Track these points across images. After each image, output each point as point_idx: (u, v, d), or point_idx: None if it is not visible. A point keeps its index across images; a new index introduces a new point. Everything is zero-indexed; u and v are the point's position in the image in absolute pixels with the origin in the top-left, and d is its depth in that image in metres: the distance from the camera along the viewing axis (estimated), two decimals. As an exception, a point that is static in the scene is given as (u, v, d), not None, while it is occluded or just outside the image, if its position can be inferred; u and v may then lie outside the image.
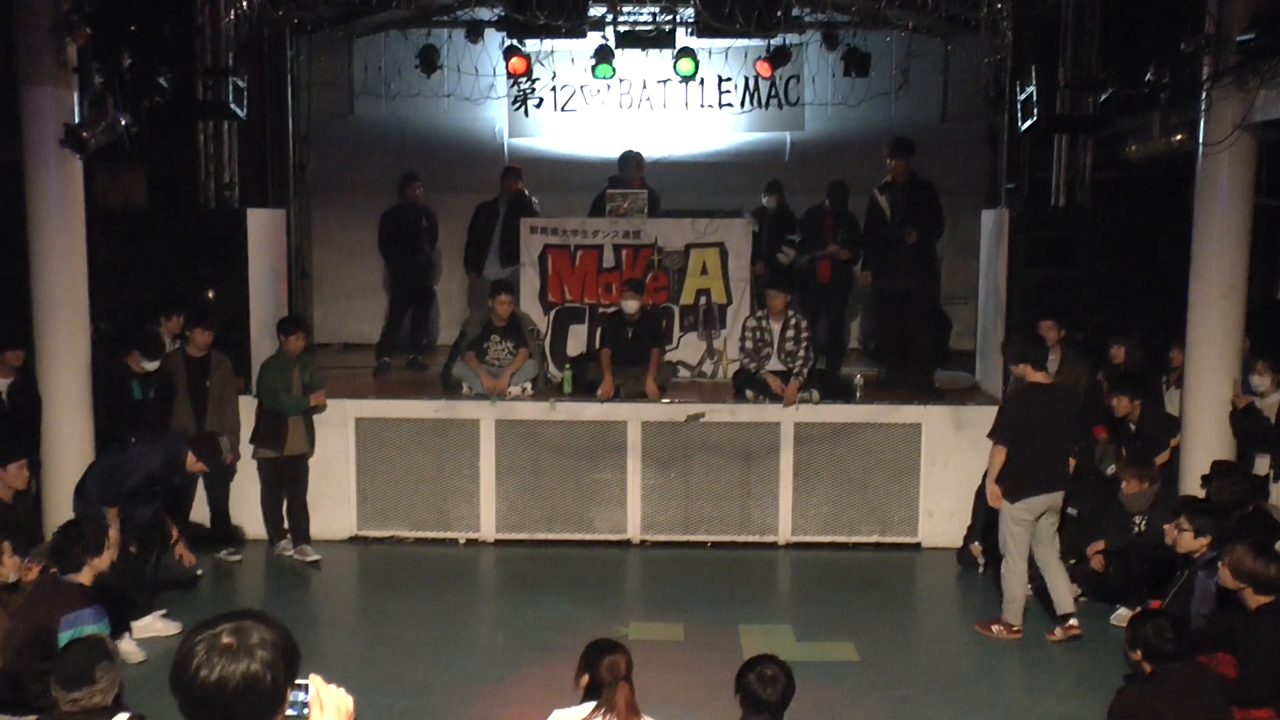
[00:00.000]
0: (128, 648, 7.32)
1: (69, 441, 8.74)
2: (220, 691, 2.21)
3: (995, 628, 7.96)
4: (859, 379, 10.28)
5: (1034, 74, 9.80)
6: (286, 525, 9.62)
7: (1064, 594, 7.88)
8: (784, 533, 9.98)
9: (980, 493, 9.35)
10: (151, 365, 8.78)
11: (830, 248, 11.28)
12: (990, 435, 7.89)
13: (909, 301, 10.72)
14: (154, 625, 7.77)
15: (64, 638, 5.52)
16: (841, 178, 11.54)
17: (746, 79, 13.11)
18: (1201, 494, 7.72)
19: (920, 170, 10.72)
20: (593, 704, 4.48)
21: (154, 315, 9.37)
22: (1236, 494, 7.60)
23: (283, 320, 9.77)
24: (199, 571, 8.95)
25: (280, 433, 9.36)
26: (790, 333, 10.06)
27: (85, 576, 6.15)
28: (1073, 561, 8.49)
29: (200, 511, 9.44)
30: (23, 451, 7.80)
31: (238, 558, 9.45)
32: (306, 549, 9.51)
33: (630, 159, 11.65)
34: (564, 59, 12.61)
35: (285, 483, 9.56)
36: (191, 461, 8.18)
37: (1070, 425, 8.10)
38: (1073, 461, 8.72)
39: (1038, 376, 7.84)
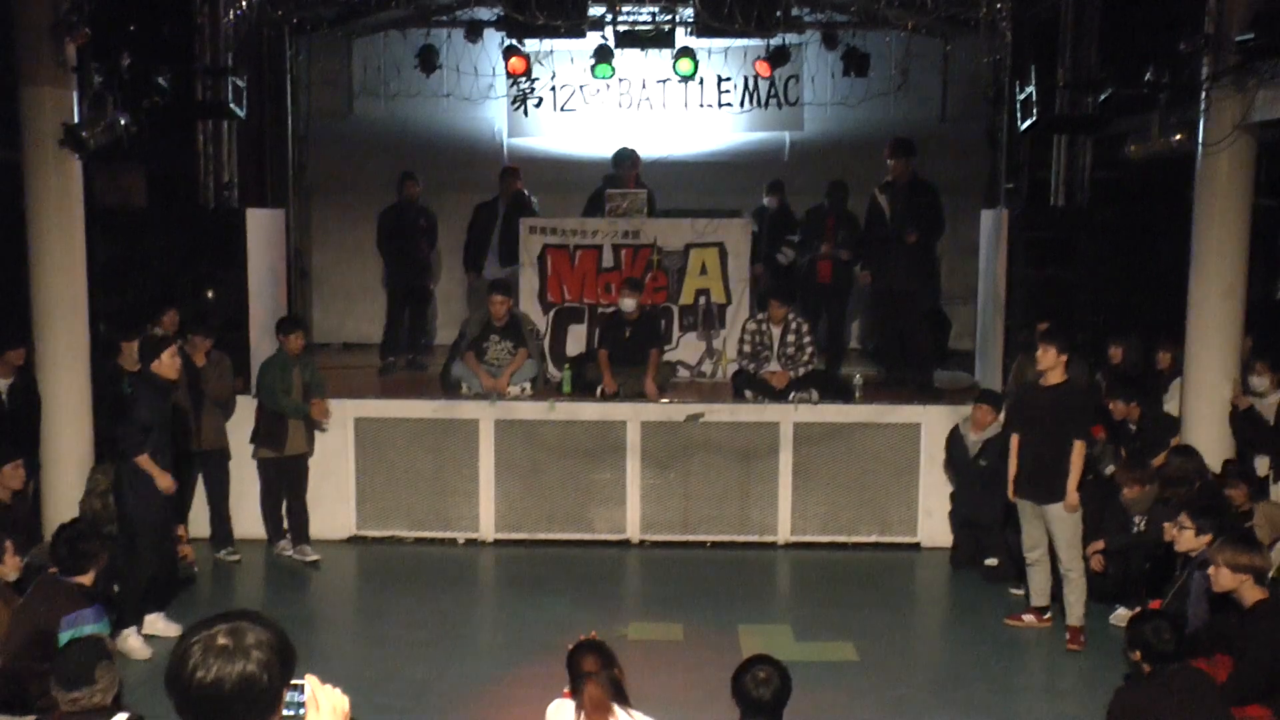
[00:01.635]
0: (135, 644, 7.33)
1: (69, 442, 8.74)
2: (216, 692, 2.21)
3: (1080, 640, 7.77)
4: (858, 379, 10.28)
5: (1033, 74, 9.80)
6: (286, 525, 9.63)
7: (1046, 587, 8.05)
8: (783, 533, 9.98)
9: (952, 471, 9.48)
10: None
11: (824, 248, 11.28)
12: (1080, 435, 7.64)
13: (908, 301, 10.72)
14: (155, 624, 7.76)
15: (64, 638, 5.53)
16: (841, 178, 11.57)
17: (746, 79, 13.10)
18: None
19: (920, 170, 10.72)
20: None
21: (152, 313, 9.39)
22: (1183, 471, 7.76)
23: (282, 320, 9.77)
24: (195, 569, 8.96)
25: (280, 433, 9.37)
26: (791, 337, 10.07)
27: (87, 577, 6.15)
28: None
29: (197, 510, 9.44)
30: (17, 451, 7.80)
31: (237, 557, 9.45)
32: (306, 549, 9.51)
33: (625, 157, 11.63)
34: (563, 59, 12.60)
35: (285, 483, 9.57)
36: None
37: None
38: None
39: (1064, 376, 7.78)
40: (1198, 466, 7.87)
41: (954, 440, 9.43)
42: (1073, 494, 7.60)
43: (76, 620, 5.76)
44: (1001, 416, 9.18)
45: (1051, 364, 7.64)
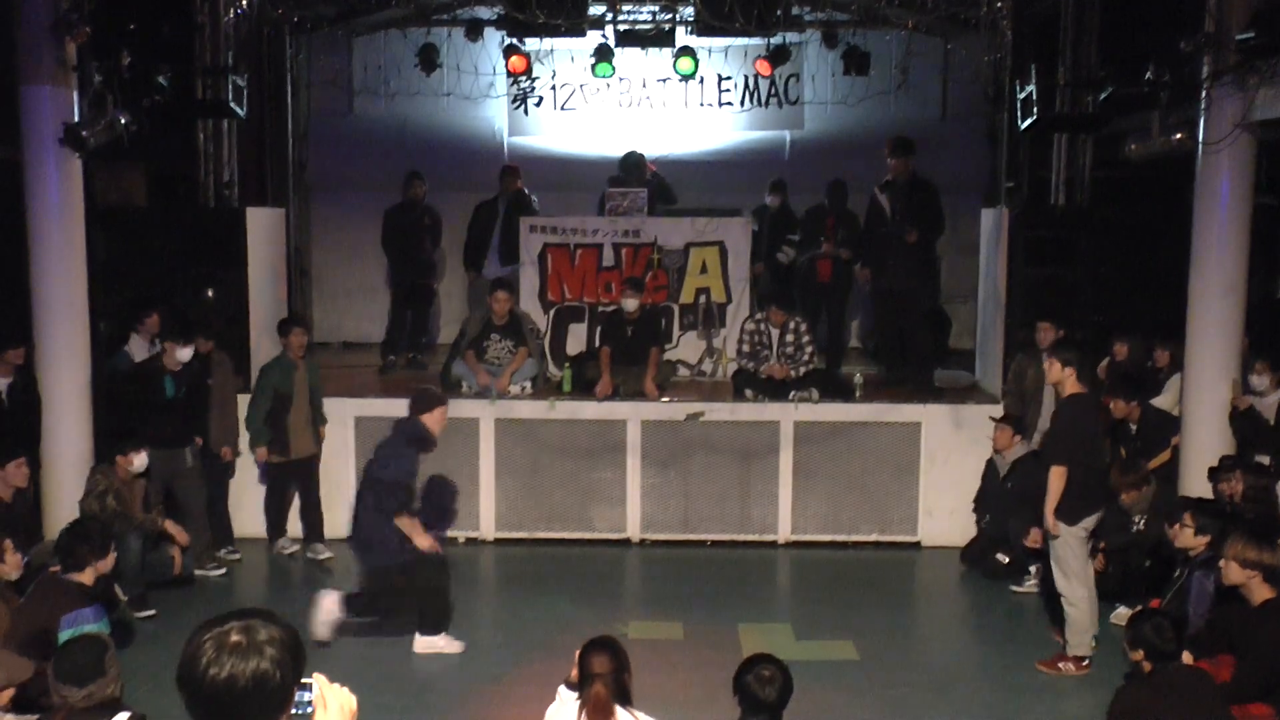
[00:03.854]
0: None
1: (68, 441, 8.74)
2: (230, 689, 2.21)
3: (1063, 665, 7.34)
4: (859, 378, 10.28)
5: (1034, 73, 9.80)
6: (301, 526, 9.57)
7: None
8: (783, 532, 9.98)
9: (986, 497, 9.37)
10: (185, 354, 8.77)
11: (825, 247, 11.27)
12: (1053, 460, 7.20)
13: (909, 300, 10.72)
14: (435, 643, 7.61)
15: (64, 636, 5.53)
16: (841, 177, 11.56)
17: (746, 78, 13.10)
18: (1209, 491, 7.72)
19: (920, 169, 10.72)
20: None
21: (135, 315, 9.37)
22: (1261, 492, 7.53)
23: (282, 321, 9.68)
24: (195, 571, 8.96)
25: (282, 437, 9.26)
26: (790, 336, 10.07)
27: (87, 576, 6.16)
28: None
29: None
30: (21, 450, 7.80)
31: (237, 556, 9.45)
32: (319, 547, 9.48)
33: (634, 162, 11.63)
34: (564, 58, 12.61)
35: (296, 485, 9.51)
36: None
37: (1102, 435, 7.82)
38: None
39: (1079, 387, 7.30)
40: (1268, 485, 7.70)
41: (989, 465, 9.37)
42: (1047, 519, 7.20)
43: (76, 620, 5.76)
44: (1019, 437, 9.07)
45: (1056, 378, 7.32)
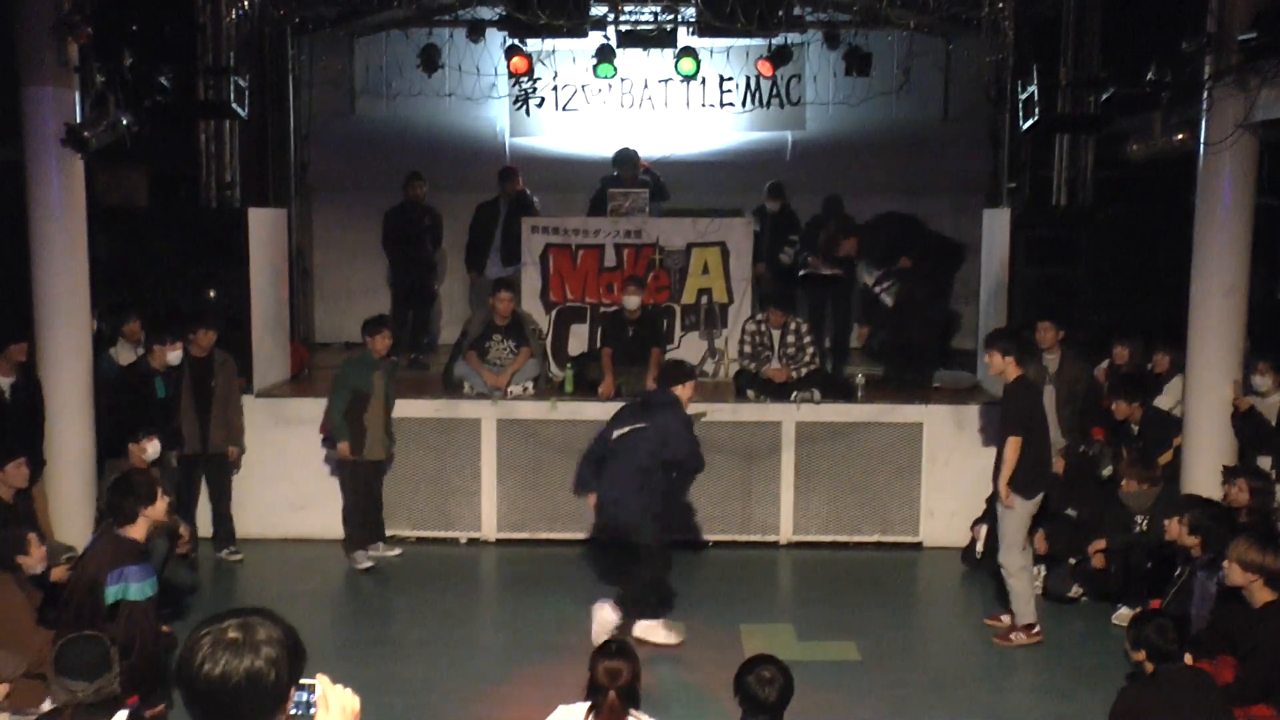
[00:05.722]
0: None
1: (71, 440, 8.74)
2: (223, 686, 2.22)
3: (1015, 635, 7.77)
4: (860, 378, 10.28)
5: (1035, 73, 9.81)
6: (360, 529, 9.43)
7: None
8: (785, 532, 9.98)
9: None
10: (174, 357, 8.76)
11: (812, 261, 11.27)
12: (1005, 429, 7.63)
13: (919, 305, 10.74)
14: (655, 631, 7.82)
15: (110, 592, 5.52)
16: (842, 176, 11.57)
17: (748, 78, 13.11)
18: (1219, 494, 7.71)
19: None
20: (589, 704, 4.56)
21: (120, 320, 9.36)
22: (1262, 496, 7.57)
23: (369, 320, 9.42)
24: (196, 575, 8.96)
25: (359, 436, 9.11)
26: (791, 338, 10.07)
27: (140, 529, 6.03)
28: (1073, 561, 8.49)
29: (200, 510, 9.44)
30: (21, 450, 7.79)
31: (239, 557, 9.46)
32: (381, 546, 9.47)
33: (626, 158, 11.62)
34: (565, 58, 12.61)
35: (364, 487, 9.34)
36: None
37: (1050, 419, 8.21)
38: (1061, 461, 8.73)
39: (1020, 371, 7.76)
40: (1269, 489, 7.74)
41: None
42: (1001, 488, 7.62)
43: (121, 577, 5.64)
44: None
45: (999, 369, 7.74)
